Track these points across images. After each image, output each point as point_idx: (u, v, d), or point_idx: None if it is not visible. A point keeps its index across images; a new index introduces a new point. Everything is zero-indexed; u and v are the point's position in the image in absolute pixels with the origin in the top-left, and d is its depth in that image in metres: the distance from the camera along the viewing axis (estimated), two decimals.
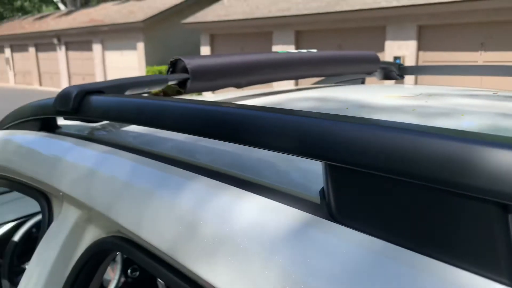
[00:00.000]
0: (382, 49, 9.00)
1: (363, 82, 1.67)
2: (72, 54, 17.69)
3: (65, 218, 0.74)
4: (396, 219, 0.38)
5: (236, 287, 0.42)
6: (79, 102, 0.74)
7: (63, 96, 0.76)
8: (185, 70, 0.95)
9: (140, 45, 14.52)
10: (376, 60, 1.46)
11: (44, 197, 0.83)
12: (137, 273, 1.58)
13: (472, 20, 7.74)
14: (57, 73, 18.62)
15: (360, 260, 0.37)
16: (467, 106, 0.88)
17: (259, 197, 0.48)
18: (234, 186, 0.52)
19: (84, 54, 17.05)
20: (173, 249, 0.50)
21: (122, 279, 1.56)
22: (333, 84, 1.50)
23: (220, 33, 12.06)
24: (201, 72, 0.96)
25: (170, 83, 0.93)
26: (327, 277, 0.37)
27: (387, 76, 1.57)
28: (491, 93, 1.10)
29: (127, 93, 0.85)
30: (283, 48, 10.54)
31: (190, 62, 0.95)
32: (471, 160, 0.31)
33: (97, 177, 0.67)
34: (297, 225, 0.43)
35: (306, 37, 10.29)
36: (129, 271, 1.57)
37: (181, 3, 14.93)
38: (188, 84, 0.94)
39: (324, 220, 0.43)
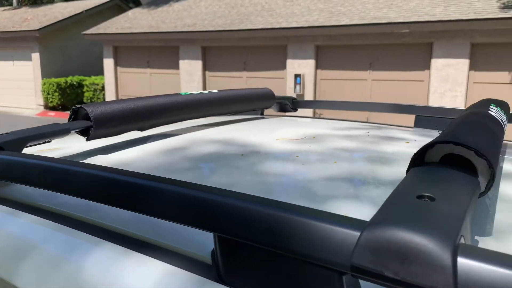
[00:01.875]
0: (284, 67, 9.50)
1: (262, 113, 1.82)
2: None
3: None
4: (271, 283, 0.45)
5: None
6: None
7: None
8: (87, 117, 0.97)
9: (36, 56, 13.48)
10: (271, 96, 1.61)
11: None
12: None
13: (362, 43, 8.55)
14: None
15: None
16: (341, 151, 1.03)
17: (157, 262, 0.53)
18: (136, 251, 0.55)
19: None
20: None
21: None
22: (235, 118, 1.62)
23: (124, 45, 11.71)
24: (104, 119, 0.99)
25: (73, 131, 0.95)
26: None
27: (282, 109, 1.75)
28: (364, 132, 1.29)
29: (29, 144, 0.86)
30: (190, 63, 10.57)
31: (93, 110, 0.98)
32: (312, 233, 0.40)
33: None
34: None
35: (213, 53, 10.45)
36: None
37: (81, 13, 14.20)
38: (91, 131, 0.97)
39: (213, 282, 0.48)
